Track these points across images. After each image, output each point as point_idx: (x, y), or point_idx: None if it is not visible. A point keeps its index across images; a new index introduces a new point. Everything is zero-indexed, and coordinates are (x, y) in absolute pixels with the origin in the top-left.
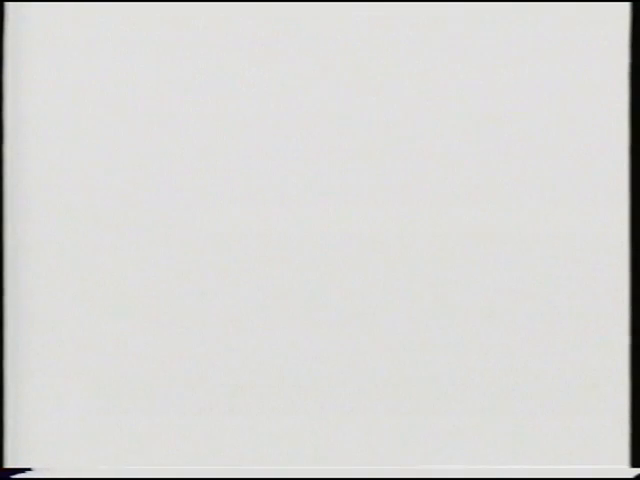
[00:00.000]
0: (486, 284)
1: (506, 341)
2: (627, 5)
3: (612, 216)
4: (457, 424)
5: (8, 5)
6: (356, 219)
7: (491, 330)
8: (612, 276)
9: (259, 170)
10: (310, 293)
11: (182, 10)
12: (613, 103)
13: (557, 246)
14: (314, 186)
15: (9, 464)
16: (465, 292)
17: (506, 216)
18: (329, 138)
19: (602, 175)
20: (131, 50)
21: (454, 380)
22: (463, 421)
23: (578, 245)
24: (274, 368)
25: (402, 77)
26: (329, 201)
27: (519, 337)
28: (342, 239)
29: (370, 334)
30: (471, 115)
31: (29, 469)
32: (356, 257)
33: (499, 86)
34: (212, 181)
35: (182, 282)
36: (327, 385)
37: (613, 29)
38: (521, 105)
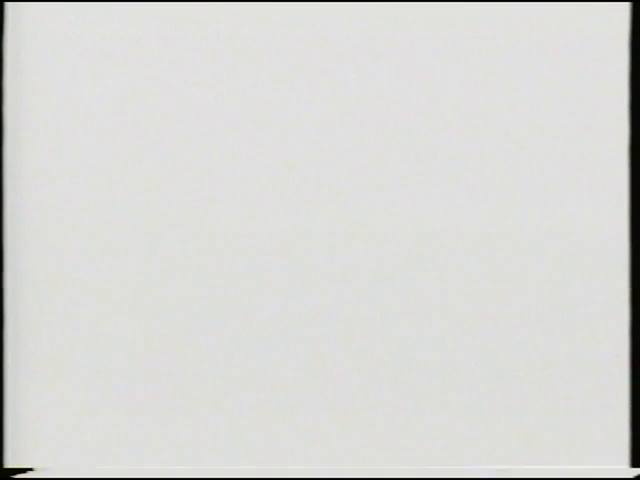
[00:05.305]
0: (486, 283)
1: (505, 340)
2: (627, 5)
3: (612, 216)
4: (456, 424)
5: (8, 5)
6: (356, 219)
7: (491, 328)
8: (612, 276)
9: (260, 171)
10: (310, 297)
11: (187, 10)
12: (613, 103)
13: (557, 246)
14: (314, 186)
15: (9, 464)
16: (465, 290)
17: (505, 216)
18: (328, 138)
19: (602, 175)
20: (133, 50)
21: (453, 379)
22: (462, 421)
23: (578, 245)
24: (274, 370)
25: (402, 76)
26: (329, 201)
27: (519, 336)
28: (341, 240)
29: (370, 334)
30: (469, 115)
31: (29, 469)
32: (356, 258)
33: (497, 86)
34: (214, 182)
35: (183, 283)
36: (325, 384)
37: (613, 29)
38: (520, 105)
